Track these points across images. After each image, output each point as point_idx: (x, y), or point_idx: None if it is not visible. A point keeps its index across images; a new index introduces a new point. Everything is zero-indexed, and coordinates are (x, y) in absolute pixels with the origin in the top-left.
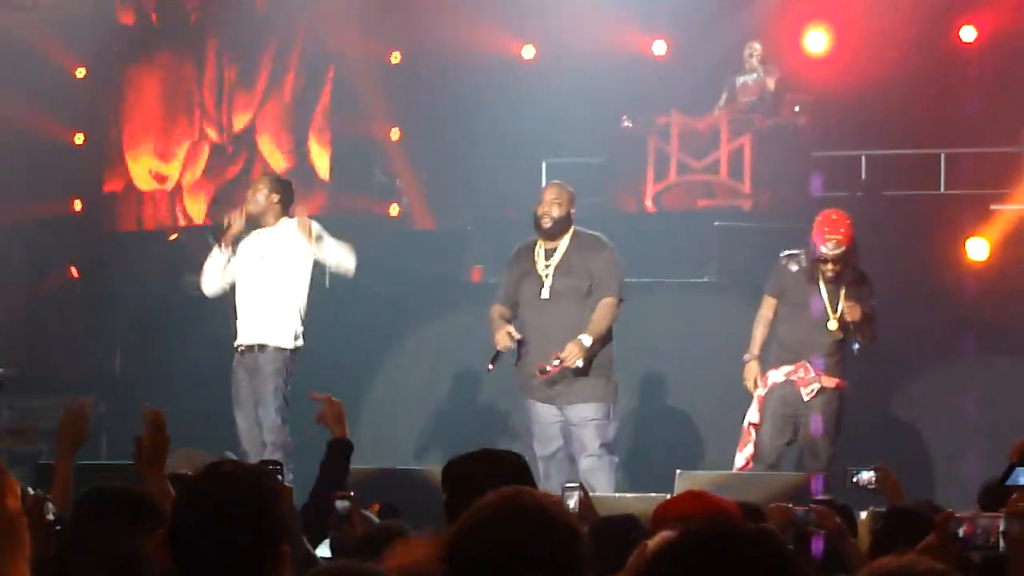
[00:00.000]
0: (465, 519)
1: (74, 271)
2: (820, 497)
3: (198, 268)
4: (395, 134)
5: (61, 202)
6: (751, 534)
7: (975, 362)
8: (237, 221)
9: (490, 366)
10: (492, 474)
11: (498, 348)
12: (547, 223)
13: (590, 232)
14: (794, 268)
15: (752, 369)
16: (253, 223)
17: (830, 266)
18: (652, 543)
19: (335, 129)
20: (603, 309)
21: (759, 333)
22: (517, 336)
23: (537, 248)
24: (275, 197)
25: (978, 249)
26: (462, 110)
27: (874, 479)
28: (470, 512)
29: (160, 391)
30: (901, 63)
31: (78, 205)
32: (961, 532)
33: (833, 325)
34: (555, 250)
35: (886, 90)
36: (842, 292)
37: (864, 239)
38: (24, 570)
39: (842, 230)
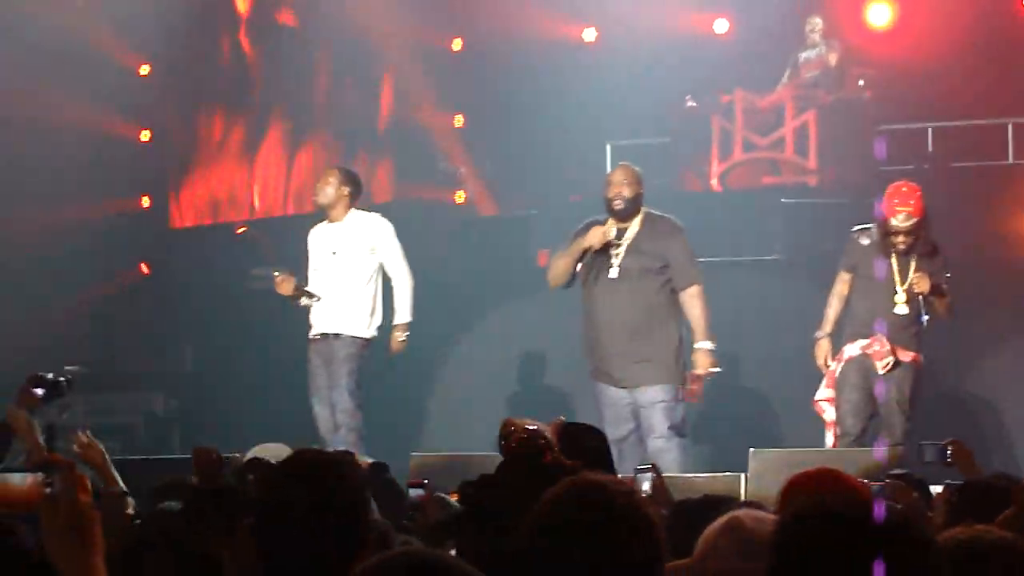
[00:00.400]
0: (533, 515)
1: (144, 268)
2: (896, 471)
3: (265, 261)
4: (459, 121)
5: (129, 199)
6: (897, 516)
7: None
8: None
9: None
10: (574, 448)
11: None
12: (619, 204)
13: (661, 214)
14: (865, 242)
15: (823, 347)
16: (320, 214)
17: (901, 238)
18: (747, 522)
19: (399, 117)
20: (695, 301)
21: (832, 310)
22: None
23: (609, 230)
24: (345, 190)
25: None
26: (524, 95)
27: (948, 453)
28: (538, 508)
29: (229, 386)
30: (964, 34)
31: (146, 202)
32: None
33: (901, 297)
34: (626, 230)
35: (950, 61)
36: (912, 264)
37: (933, 211)
38: (99, 565)
39: (912, 202)
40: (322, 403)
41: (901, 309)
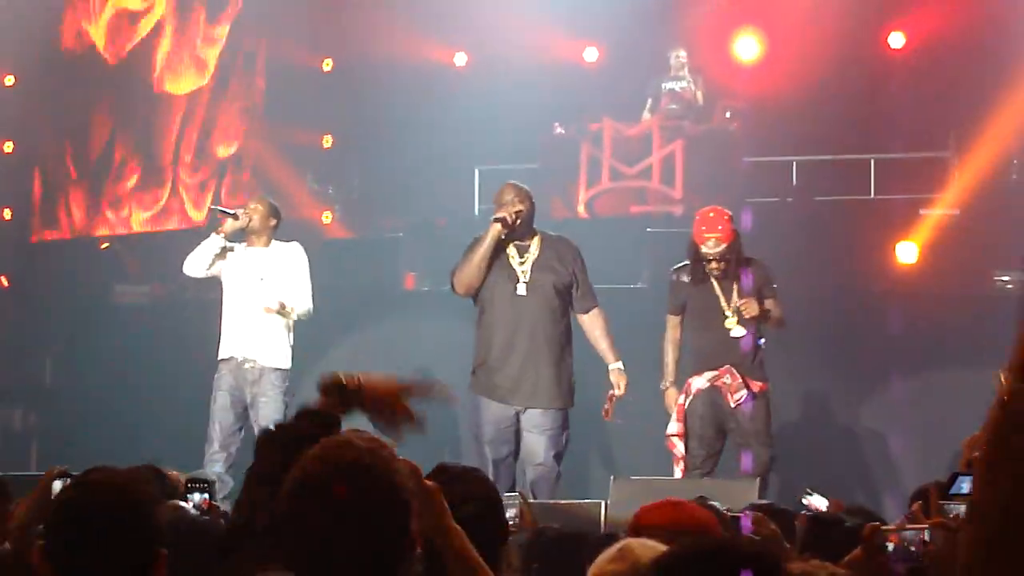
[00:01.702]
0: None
1: (3, 280)
2: (758, 503)
3: (128, 277)
4: (327, 141)
5: None
6: (749, 548)
7: (905, 366)
8: (243, 218)
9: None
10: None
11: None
12: (518, 221)
13: (558, 235)
14: (686, 279)
15: (672, 395)
16: (238, 235)
17: (713, 264)
18: (637, 548)
19: (268, 136)
20: (600, 321)
21: (670, 358)
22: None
23: (508, 246)
24: (272, 221)
25: (907, 253)
26: (394, 117)
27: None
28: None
29: (90, 401)
30: (831, 69)
31: (7, 214)
32: (889, 546)
33: (732, 320)
34: (528, 247)
35: (816, 96)
36: (734, 286)
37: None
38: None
39: (720, 227)
40: (229, 419)
41: (737, 331)
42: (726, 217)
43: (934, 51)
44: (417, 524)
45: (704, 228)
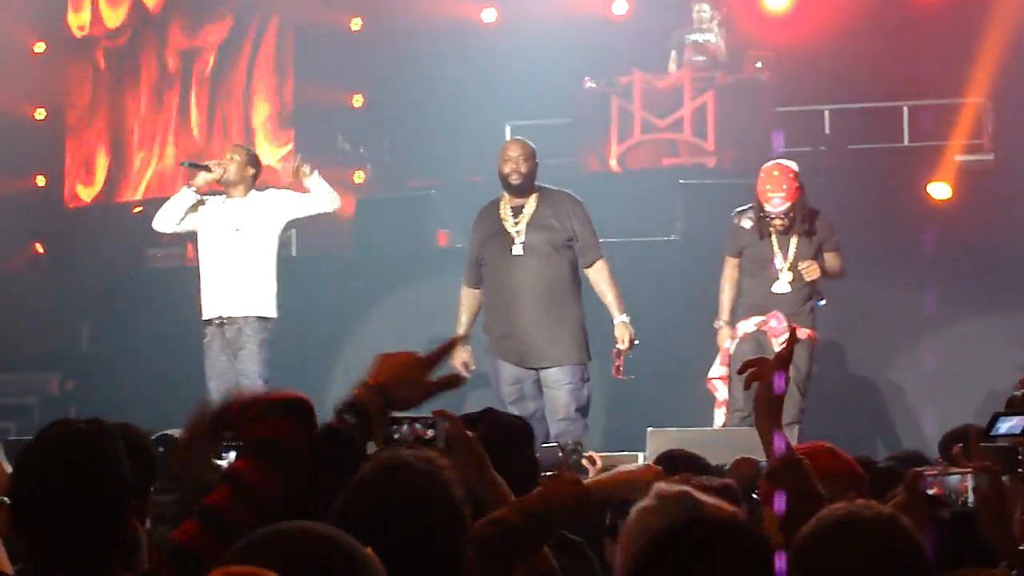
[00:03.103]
0: (340, 499)
1: (39, 247)
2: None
3: (161, 241)
4: (358, 101)
5: (24, 178)
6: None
7: (938, 314)
8: (218, 171)
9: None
10: (500, 436)
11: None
12: (516, 179)
13: (557, 188)
14: (747, 225)
15: (724, 334)
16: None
17: (777, 222)
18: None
19: (298, 97)
20: (604, 275)
21: (727, 297)
22: (470, 369)
23: (503, 206)
24: (250, 170)
25: (940, 191)
26: (424, 75)
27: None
28: (344, 491)
29: (126, 366)
30: (862, 17)
31: (41, 180)
32: (931, 491)
33: (786, 276)
34: (523, 207)
35: (847, 44)
36: (793, 242)
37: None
38: None
39: (784, 186)
40: (220, 387)
41: (779, 287)
42: (791, 175)
43: None
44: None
45: (768, 187)
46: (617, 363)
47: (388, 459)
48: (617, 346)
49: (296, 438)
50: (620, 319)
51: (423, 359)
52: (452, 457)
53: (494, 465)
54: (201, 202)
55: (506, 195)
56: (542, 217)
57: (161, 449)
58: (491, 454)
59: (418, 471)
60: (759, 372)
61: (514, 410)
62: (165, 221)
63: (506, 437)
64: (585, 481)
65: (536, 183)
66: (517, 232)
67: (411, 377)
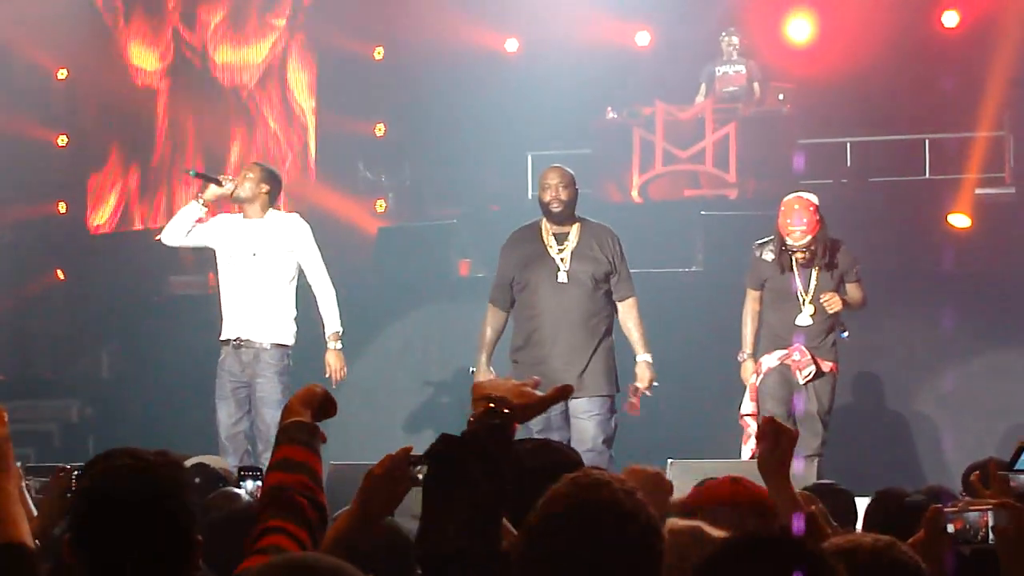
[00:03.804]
0: (539, 515)
1: (60, 273)
2: (824, 482)
3: (183, 268)
4: (380, 130)
5: (46, 204)
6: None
7: (959, 346)
8: (229, 186)
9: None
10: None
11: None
12: (557, 207)
13: (598, 222)
14: (768, 257)
15: (748, 368)
16: (232, 205)
17: (799, 255)
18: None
19: (320, 125)
20: (634, 312)
21: (749, 330)
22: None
23: (545, 232)
24: (264, 187)
25: (960, 220)
26: (446, 104)
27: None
28: (544, 506)
29: (146, 393)
30: (884, 50)
31: (63, 207)
32: (951, 528)
33: (808, 309)
34: (567, 234)
35: (870, 77)
36: (814, 274)
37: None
38: (11, 491)
39: (805, 220)
40: (228, 408)
41: (802, 320)
42: (811, 208)
43: (988, 29)
44: None
45: (789, 221)
46: (633, 400)
47: (588, 475)
48: (636, 383)
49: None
50: (643, 357)
51: (536, 397)
52: None
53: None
54: (216, 219)
55: (546, 222)
56: (587, 248)
57: (197, 480)
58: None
59: (618, 491)
60: (773, 440)
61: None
62: (172, 234)
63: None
64: None
65: (576, 212)
66: (562, 260)
67: (523, 399)
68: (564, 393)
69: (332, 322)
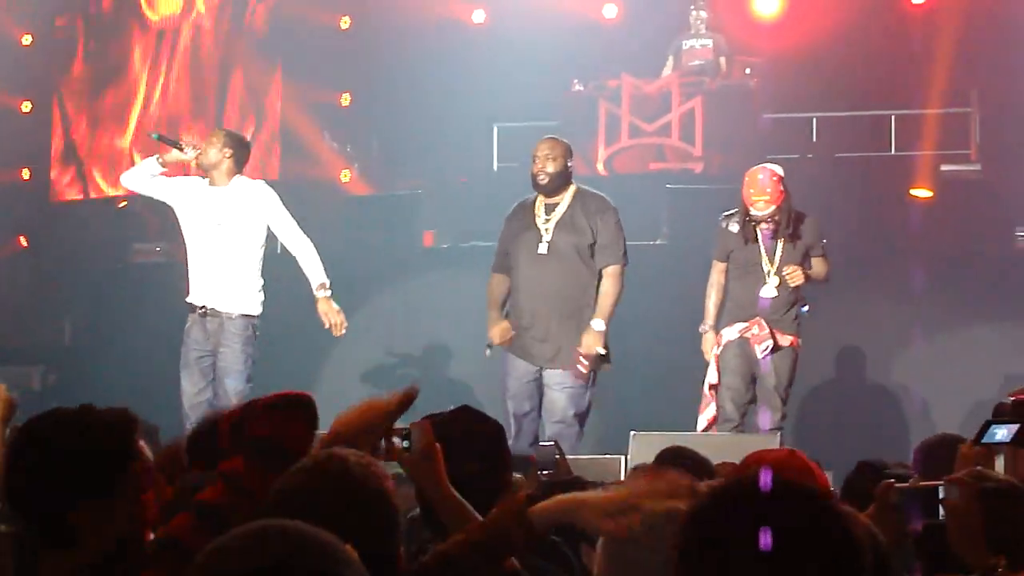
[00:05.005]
0: (275, 490)
1: (23, 240)
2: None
3: (147, 236)
4: (345, 100)
5: (9, 171)
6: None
7: (922, 322)
8: (190, 152)
9: (487, 351)
10: (471, 436)
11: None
12: (543, 179)
13: (595, 191)
14: (734, 229)
15: (709, 339)
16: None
17: (763, 225)
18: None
19: (285, 95)
20: (609, 280)
21: (712, 301)
22: (510, 335)
23: (537, 204)
24: (228, 152)
25: (923, 193)
26: (412, 75)
27: None
28: (281, 481)
29: (109, 360)
30: (852, 25)
31: (26, 174)
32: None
33: (773, 281)
34: (556, 205)
35: (836, 52)
36: (779, 246)
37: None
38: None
39: (768, 190)
40: (192, 377)
41: (766, 292)
42: (775, 178)
43: (955, 6)
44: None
45: (753, 191)
46: (579, 365)
47: (327, 455)
48: (580, 349)
49: (298, 438)
50: (596, 323)
51: (386, 411)
52: (414, 471)
53: (463, 465)
54: (181, 179)
55: (540, 193)
56: (571, 219)
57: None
58: (462, 454)
59: (355, 466)
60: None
61: (510, 405)
62: (132, 179)
63: (478, 436)
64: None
65: (576, 184)
66: (545, 231)
67: (370, 427)
68: (407, 396)
69: (318, 274)
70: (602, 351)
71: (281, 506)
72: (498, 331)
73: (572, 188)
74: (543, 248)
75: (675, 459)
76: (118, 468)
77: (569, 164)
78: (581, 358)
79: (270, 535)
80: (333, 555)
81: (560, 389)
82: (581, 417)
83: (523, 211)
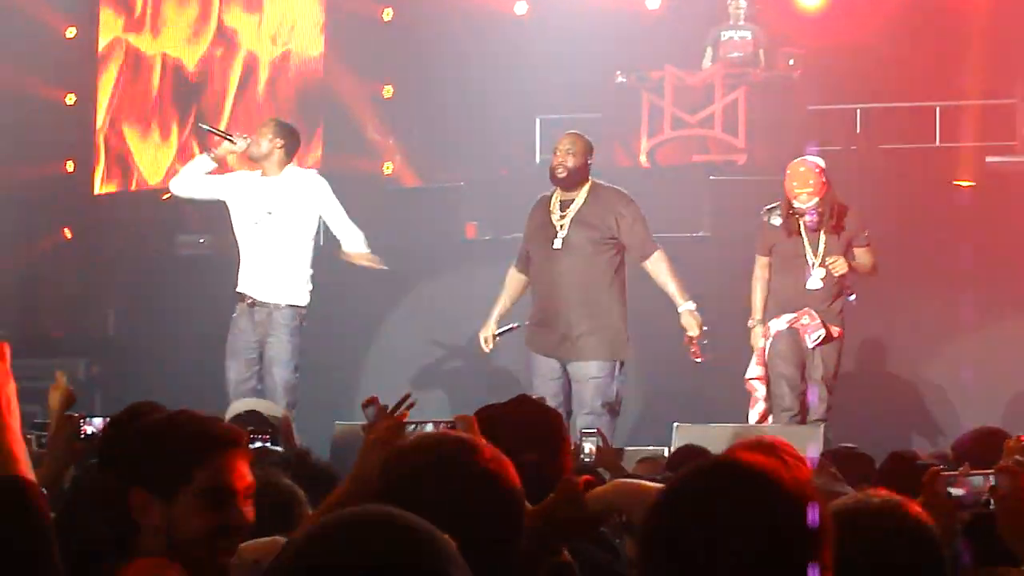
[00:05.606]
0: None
1: (67, 232)
2: (845, 445)
3: (190, 228)
4: (388, 92)
5: (53, 163)
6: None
7: (968, 314)
8: (242, 143)
9: (500, 334)
10: (530, 425)
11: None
12: (561, 173)
13: (608, 185)
14: (776, 223)
15: (758, 333)
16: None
17: (806, 218)
18: None
19: (327, 87)
20: (662, 266)
21: (758, 296)
22: (489, 346)
23: (553, 199)
24: (279, 142)
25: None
26: (455, 67)
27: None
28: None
29: (152, 351)
30: (895, 17)
31: (70, 166)
32: (955, 492)
33: (819, 273)
34: (572, 201)
35: (881, 43)
36: (822, 238)
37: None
38: (13, 427)
39: (811, 182)
40: (238, 369)
41: (813, 283)
42: (817, 170)
43: None
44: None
45: (795, 184)
46: (693, 349)
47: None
48: (688, 333)
49: None
50: (686, 307)
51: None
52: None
53: (522, 454)
54: (233, 174)
55: (558, 188)
56: (587, 214)
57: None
58: (521, 443)
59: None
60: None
61: None
62: (182, 184)
63: (538, 425)
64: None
65: (591, 178)
66: (561, 226)
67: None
68: (399, 402)
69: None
70: (704, 327)
71: (390, 491)
72: (487, 335)
73: (589, 183)
74: (558, 243)
75: (688, 458)
76: (183, 478)
77: (589, 161)
78: (692, 340)
79: (376, 529)
80: (442, 553)
81: (586, 381)
82: (611, 407)
83: (540, 207)
